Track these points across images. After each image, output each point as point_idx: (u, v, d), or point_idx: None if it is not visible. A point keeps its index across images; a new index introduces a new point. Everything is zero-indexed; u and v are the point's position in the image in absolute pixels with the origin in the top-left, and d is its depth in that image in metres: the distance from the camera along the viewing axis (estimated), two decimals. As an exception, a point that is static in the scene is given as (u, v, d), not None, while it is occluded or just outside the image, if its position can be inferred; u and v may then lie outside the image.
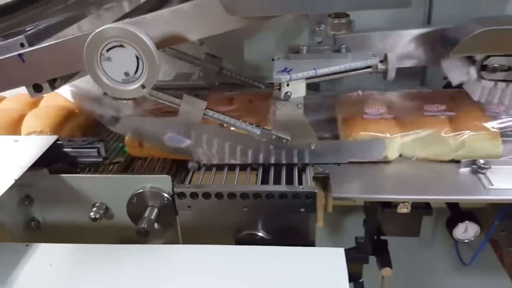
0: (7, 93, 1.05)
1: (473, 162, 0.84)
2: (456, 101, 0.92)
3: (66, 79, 0.72)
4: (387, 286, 0.96)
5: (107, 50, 0.63)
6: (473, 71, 0.85)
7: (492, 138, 0.84)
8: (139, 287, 0.65)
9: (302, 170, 0.85)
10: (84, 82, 0.85)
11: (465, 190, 0.80)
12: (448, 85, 1.01)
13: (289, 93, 0.78)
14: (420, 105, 0.92)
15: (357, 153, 0.86)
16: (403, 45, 0.94)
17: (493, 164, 0.83)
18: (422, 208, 0.90)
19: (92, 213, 0.82)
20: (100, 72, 0.65)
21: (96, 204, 0.84)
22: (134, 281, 0.66)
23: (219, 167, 0.87)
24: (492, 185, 0.79)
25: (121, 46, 0.63)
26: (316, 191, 0.77)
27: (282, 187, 0.79)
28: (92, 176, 0.84)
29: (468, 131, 0.85)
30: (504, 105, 0.87)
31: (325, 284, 0.63)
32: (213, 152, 0.85)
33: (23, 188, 0.84)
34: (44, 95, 0.86)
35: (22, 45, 0.66)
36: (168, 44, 0.66)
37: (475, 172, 0.83)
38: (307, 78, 0.78)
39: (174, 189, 0.80)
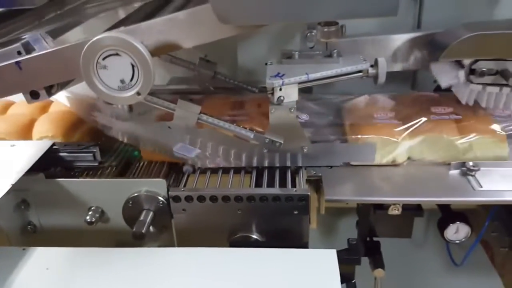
0: (16, 98, 1.05)
1: (463, 164, 0.85)
2: (462, 104, 0.92)
3: (63, 85, 0.73)
4: (380, 287, 0.97)
5: (103, 59, 0.65)
6: (461, 75, 0.87)
7: (499, 141, 0.86)
8: (135, 290, 0.66)
9: (295, 173, 0.86)
10: (79, 88, 0.86)
11: (454, 192, 0.82)
12: (438, 88, 1.02)
13: (282, 98, 0.79)
14: (427, 108, 0.93)
15: (349, 156, 0.88)
16: (393, 49, 0.96)
17: (482, 166, 0.84)
18: (413, 210, 0.92)
19: (88, 217, 0.83)
20: (97, 80, 0.66)
21: (92, 208, 0.85)
22: (130, 283, 0.67)
23: (214, 171, 0.88)
24: (481, 186, 0.81)
25: (117, 54, 0.64)
26: (308, 193, 0.79)
27: (276, 190, 0.80)
28: (87, 180, 0.85)
29: (476, 135, 0.86)
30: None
31: (318, 285, 0.64)
32: (207, 155, 0.86)
33: (20, 193, 0.85)
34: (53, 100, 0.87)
35: (19, 52, 0.67)
36: (162, 52, 0.67)
37: (464, 174, 0.85)
38: (299, 83, 0.79)
39: (169, 193, 0.81)
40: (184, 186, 0.84)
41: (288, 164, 0.86)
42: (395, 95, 1.02)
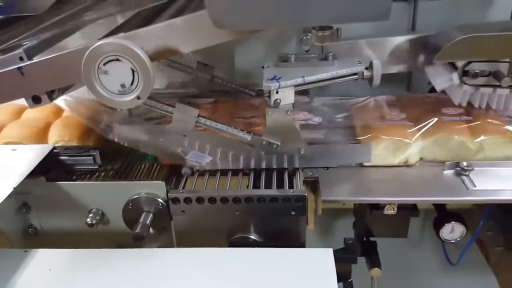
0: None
1: (457, 164, 0.87)
2: (472, 106, 0.93)
3: (64, 90, 0.75)
4: (377, 286, 0.98)
5: (104, 64, 0.66)
6: (455, 77, 0.89)
7: (510, 142, 0.87)
8: (136, 290, 0.67)
9: (292, 174, 0.87)
10: (78, 91, 0.87)
11: (449, 192, 0.83)
12: (433, 90, 1.04)
13: (278, 100, 0.81)
14: (438, 109, 0.94)
15: (345, 157, 0.89)
16: (388, 51, 0.97)
17: (476, 166, 0.86)
18: (409, 210, 0.93)
19: (88, 219, 0.84)
20: (98, 85, 0.67)
21: (93, 210, 0.86)
22: (132, 284, 0.68)
23: (212, 173, 0.89)
24: (475, 186, 0.82)
25: (117, 60, 0.66)
26: (305, 194, 0.80)
27: (273, 191, 0.81)
28: (88, 183, 0.86)
29: (487, 135, 0.87)
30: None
31: (314, 284, 0.66)
32: (205, 157, 0.87)
33: (21, 196, 0.86)
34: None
35: (21, 58, 0.69)
36: (161, 56, 0.69)
37: (458, 174, 0.86)
38: (295, 86, 0.81)
39: (169, 195, 0.82)
40: (183, 188, 0.86)
41: (285, 165, 0.87)
42: (403, 96, 1.03)
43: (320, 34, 0.72)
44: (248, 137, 0.83)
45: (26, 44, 0.70)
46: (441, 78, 0.91)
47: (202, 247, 0.74)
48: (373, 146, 0.88)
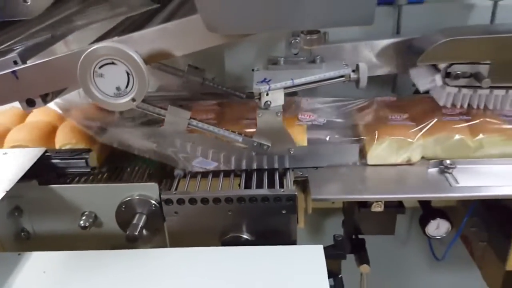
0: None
1: (440, 162, 0.90)
2: (470, 106, 0.95)
3: (57, 93, 0.76)
4: (366, 282, 1.01)
5: (100, 67, 0.68)
6: (438, 78, 0.92)
7: (508, 139, 0.90)
8: (131, 290, 0.69)
9: (283, 175, 0.89)
10: (71, 94, 0.88)
11: (433, 189, 0.85)
12: (417, 91, 1.07)
13: (268, 102, 0.83)
14: (438, 109, 0.96)
15: (333, 158, 0.91)
16: (374, 54, 1.00)
17: (458, 164, 0.89)
18: (395, 207, 0.96)
19: (82, 222, 0.85)
20: (93, 88, 0.69)
21: (85, 213, 0.87)
22: (127, 285, 0.69)
23: (204, 175, 0.91)
24: (458, 183, 0.85)
25: (113, 63, 0.67)
26: (296, 193, 0.82)
27: (265, 191, 0.83)
28: (81, 185, 0.87)
29: (486, 133, 0.90)
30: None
31: (306, 279, 0.68)
32: (197, 159, 0.89)
33: (13, 200, 0.87)
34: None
35: (15, 62, 0.69)
36: (155, 60, 0.70)
37: (442, 172, 0.89)
38: (285, 88, 0.83)
39: (161, 196, 0.84)
40: (176, 189, 0.87)
41: (276, 166, 0.89)
42: (403, 97, 1.06)
43: (308, 38, 0.75)
44: (239, 139, 0.85)
45: (18, 48, 0.71)
46: (425, 80, 0.94)
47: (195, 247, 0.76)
48: (376, 146, 0.90)
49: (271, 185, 0.86)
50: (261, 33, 0.89)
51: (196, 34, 0.69)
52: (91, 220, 0.86)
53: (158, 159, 0.90)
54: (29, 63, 0.70)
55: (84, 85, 0.68)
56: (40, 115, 1.03)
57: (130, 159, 0.94)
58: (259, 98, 0.83)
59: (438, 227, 1.02)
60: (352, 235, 1.06)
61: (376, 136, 0.90)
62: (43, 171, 0.88)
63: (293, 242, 0.84)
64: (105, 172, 0.92)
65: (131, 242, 0.81)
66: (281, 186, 0.86)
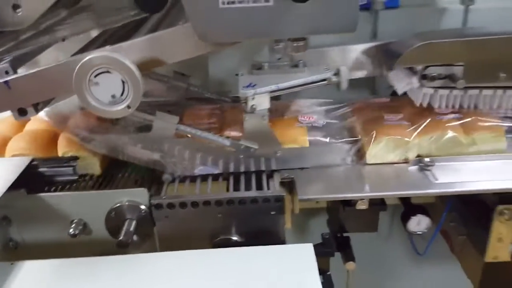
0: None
1: (420, 160, 0.93)
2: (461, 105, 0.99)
3: (47, 102, 0.76)
4: (352, 278, 1.03)
5: (95, 76, 0.69)
6: (415, 80, 0.95)
7: (499, 136, 0.94)
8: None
9: (270, 177, 0.91)
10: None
11: (413, 186, 0.88)
12: (395, 93, 1.11)
13: (254, 106, 0.85)
14: (431, 109, 0.99)
15: (318, 158, 0.94)
16: (353, 58, 1.03)
17: (437, 162, 0.92)
18: (378, 205, 0.99)
19: (71, 230, 0.84)
20: (89, 96, 0.70)
21: (75, 221, 0.86)
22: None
23: (192, 179, 0.92)
24: (437, 179, 0.89)
25: (108, 72, 0.69)
26: (284, 194, 0.84)
27: (253, 193, 0.85)
28: (69, 193, 0.87)
29: (478, 131, 0.94)
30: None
31: (298, 277, 0.70)
32: (186, 163, 0.90)
33: (1, 210, 0.86)
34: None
35: (6, 72, 0.70)
36: (147, 68, 0.72)
37: (422, 169, 0.92)
38: (270, 92, 0.86)
39: (151, 201, 0.85)
40: (165, 194, 0.88)
41: (263, 168, 0.92)
42: (396, 98, 1.09)
43: (295, 44, 0.78)
44: (227, 142, 0.87)
45: (7, 58, 0.71)
46: (402, 82, 0.98)
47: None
48: (374, 145, 0.93)
49: (259, 187, 0.88)
50: (250, 40, 0.92)
51: (187, 42, 0.71)
52: (80, 227, 0.86)
53: (146, 164, 0.91)
54: (21, 72, 0.71)
55: (80, 93, 0.69)
56: (38, 123, 1.02)
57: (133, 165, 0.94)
58: (245, 103, 0.85)
59: (419, 223, 1.06)
60: (337, 233, 1.09)
61: (374, 136, 0.93)
62: (30, 180, 0.88)
63: (283, 242, 0.86)
64: (94, 179, 0.92)
65: (122, 248, 0.82)
66: (269, 187, 0.88)
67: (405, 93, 1.01)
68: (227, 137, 0.87)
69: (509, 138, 0.96)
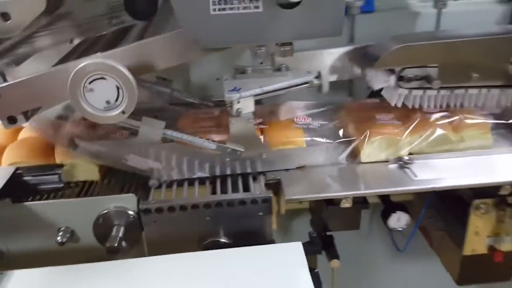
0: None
1: (400, 158, 0.97)
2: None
3: (36, 109, 0.76)
4: (337, 275, 1.06)
5: (90, 83, 0.69)
6: (392, 79, 0.99)
7: (485, 133, 0.99)
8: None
9: (255, 178, 0.93)
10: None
11: (394, 183, 0.91)
12: (372, 95, 1.15)
13: (240, 110, 0.87)
14: (419, 109, 1.01)
15: (301, 159, 0.96)
16: (332, 61, 1.06)
17: (416, 159, 0.96)
18: (360, 203, 1.01)
19: (59, 238, 0.84)
20: (84, 103, 0.70)
21: (62, 228, 0.86)
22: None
23: (179, 183, 0.92)
24: (416, 176, 0.92)
25: (103, 78, 0.69)
26: (271, 195, 0.86)
27: (241, 195, 0.86)
28: (56, 201, 0.87)
29: (466, 128, 0.98)
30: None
31: (289, 276, 0.72)
32: (172, 168, 0.91)
33: (-14, 220, 0.85)
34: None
35: (-4, 80, 0.69)
36: (138, 73, 0.73)
37: (401, 167, 0.96)
38: (255, 95, 0.88)
39: (140, 206, 0.85)
40: (153, 199, 0.88)
41: (249, 170, 0.93)
42: (384, 98, 1.12)
43: (282, 49, 0.80)
44: (213, 146, 0.88)
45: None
46: (380, 80, 1.01)
47: (175, 254, 0.78)
48: (369, 145, 0.96)
49: (246, 189, 0.90)
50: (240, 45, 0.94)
51: (178, 48, 0.72)
52: (68, 235, 0.85)
53: (132, 170, 0.92)
54: (10, 80, 0.70)
55: (75, 100, 0.69)
56: (31, 131, 1.01)
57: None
58: (231, 106, 0.87)
59: (399, 220, 1.09)
60: (320, 232, 1.11)
61: (368, 136, 0.96)
62: (15, 189, 0.87)
63: (271, 242, 0.87)
64: (79, 186, 0.92)
65: (112, 254, 0.82)
66: (255, 189, 0.89)
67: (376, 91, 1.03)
68: (213, 141, 0.88)
69: (494, 134, 1.02)
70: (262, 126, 1.00)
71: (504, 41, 0.92)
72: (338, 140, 0.99)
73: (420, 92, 0.98)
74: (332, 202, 0.99)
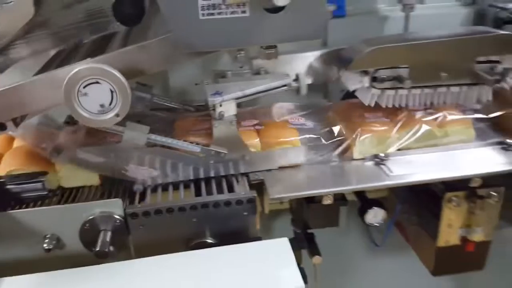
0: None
1: (376, 156, 1.01)
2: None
3: (24, 116, 0.76)
4: (319, 271, 1.09)
5: (84, 87, 0.70)
6: (366, 81, 1.03)
7: (468, 127, 1.04)
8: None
9: (240, 180, 0.95)
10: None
11: (371, 179, 0.96)
12: (346, 96, 1.19)
13: (222, 113, 0.89)
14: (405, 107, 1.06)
15: (282, 159, 0.98)
16: (307, 64, 1.09)
17: (391, 156, 1.01)
18: (340, 200, 1.05)
19: (45, 245, 0.84)
20: (78, 107, 0.71)
21: (47, 236, 0.86)
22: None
23: (164, 188, 0.94)
24: (392, 172, 0.96)
25: (97, 82, 0.70)
26: (256, 195, 0.88)
27: (226, 196, 0.88)
28: (41, 209, 0.86)
29: (450, 124, 1.03)
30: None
31: (278, 270, 0.74)
32: (157, 172, 0.92)
33: (-33, 230, 0.84)
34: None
35: (-15, 87, 0.69)
36: (130, 77, 0.74)
37: (377, 164, 1.00)
38: (236, 98, 0.90)
39: (126, 211, 0.86)
40: (139, 203, 0.89)
41: (232, 171, 0.95)
42: None
43: (267, 52, 0.83)
44: (198, 149, 0.90)
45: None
46: (354, 82, 1.05)
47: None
48: (361, 142, 1.00)
49: (230, 190, 0.92)
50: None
51: (168, 52, 0.74)
52: (54, 242, 0.85)
53: (117, 176, 0.92)
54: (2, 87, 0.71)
55: (69, 104, 0.70)
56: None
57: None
58: (214, 110, 0.89)
59: (375, 216, 1.12)
60: (302, 230, 1.14)
61: (359, 134, 1.00)
62: (-1, 198, 0.86)
63: (258, 238, 0.90)
64: (66, 192, 0.92)
65: (101, 258, 0.82)
66: (240, 190, 0.91)
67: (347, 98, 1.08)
68: (198, 144, 0.90)
69: (475, 128, 1.07)
70: (258, 127, 1.03)
71: (469, 41, 0.99)
72: (333, 140, 1.04)
73: (392, 92, 1.03)
74: (313, 200, 1.02)
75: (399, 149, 1.03)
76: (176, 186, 0.94)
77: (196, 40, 0.74)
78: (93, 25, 1.00)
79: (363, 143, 1.01)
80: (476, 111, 1.09)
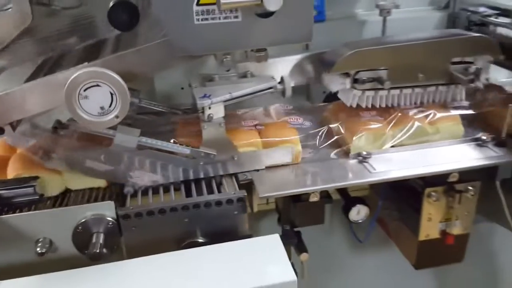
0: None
1: (359, 154, 1.05)
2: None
3: (20, 120, 0.77)
4: (306, 267, 1.12)
5: (85, 90, 0.72)
6: (348, 84, 1.07)
7: (457, 124, 1.09)
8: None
9: (229, 180, 0.97)
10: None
11: (354, 176, 0.99)
12: (328, 98, 1.24)
13: (211, 115, 0.92)
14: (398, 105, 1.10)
15: (270, 159, 1.02)
16: (291, 68, 1.13)
17: (373, 154, 1.05)
18: (325, 198, 1.09)
19: (38, 248, 0.85)
20: (79, 109, 0.73)
21: (40, 240, 0.87)
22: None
23: (155, 189, 0.95)
24: (375, 169, 1.01)
25: (97, 85, 0.72)
26: (245, 194, 0.91)
27: (217, 196, 0.91)
28: (34, 213, 0.87)
29: (440, 121, 1.08)
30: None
31: (271, 266, 0.77)
32: (147, 174, 0.94)
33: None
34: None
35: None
36: (127, 81, 0.76)
37: (361, 162, 1.04)
38: (224, 101, 0.93)
39: (118, 212, 0.87)
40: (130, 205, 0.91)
41: (221, 172, 0.98)
42: None
43: (257, 55, 0.86)
44: (188, 151, 0.92)
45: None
46: (336, 84, 1.09)
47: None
48: (357, 139, 1.04)
49: (219, 191, 0.94)
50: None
51: (163, 56, 0.77)
52: (47, 245, 0.86)
53: (107, 178, 0.94)
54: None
55: (70, 107, 0.72)
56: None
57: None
58: (203, 112, 0.92)
59: (359, 213, 1.16)
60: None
61: (355, 132, 1.04)
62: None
63: (249, 236, 0.92)
64: (58, 196, 0.93)
65: (95, 260, 0.83)
66: (230, 190, 0.94)
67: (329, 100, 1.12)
68: (187, 146, 0.92)
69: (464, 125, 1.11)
70: (259, 127, 1.06)
71: (444, 43, 1.04)
72: (332, 139, 1.08)
73: (372, 92, 1.08)
74: (299, 199, 1.05)
75: (393, 146, 1.07)
76: (166, 187, 0.96)
77: (191, 44, 0.77)
78: (81, 31, 1.01)
79: (360, 140, 1.05)
80: (457, 108, 1.14)
